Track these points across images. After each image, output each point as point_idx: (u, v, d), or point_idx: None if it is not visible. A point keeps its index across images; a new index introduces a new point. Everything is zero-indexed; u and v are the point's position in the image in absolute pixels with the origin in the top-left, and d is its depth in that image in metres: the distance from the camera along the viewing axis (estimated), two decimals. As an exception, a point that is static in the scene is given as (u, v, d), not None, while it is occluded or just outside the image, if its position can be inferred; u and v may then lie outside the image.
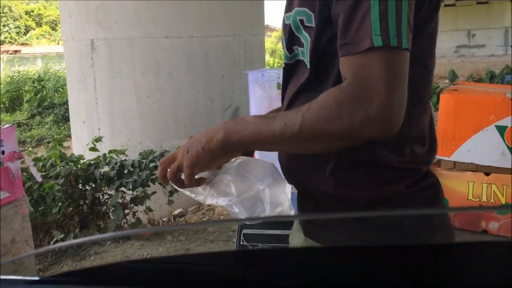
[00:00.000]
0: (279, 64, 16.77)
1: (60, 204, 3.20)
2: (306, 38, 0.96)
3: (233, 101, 4.26)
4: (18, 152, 2.33)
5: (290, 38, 1.00)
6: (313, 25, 0.94)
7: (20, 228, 2.12)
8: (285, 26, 1.05)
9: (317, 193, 1.00)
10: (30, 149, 6.63)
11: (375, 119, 0.80)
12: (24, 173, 2.97)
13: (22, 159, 2.48)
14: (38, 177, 2.84)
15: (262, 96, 2.79)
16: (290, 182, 1.01)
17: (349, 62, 0.84)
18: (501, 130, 3.05)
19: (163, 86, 4.07)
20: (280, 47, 25.73)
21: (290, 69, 1.04)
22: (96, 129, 4.13)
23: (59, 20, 7.74)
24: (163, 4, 3.95)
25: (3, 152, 2.17)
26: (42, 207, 3.17)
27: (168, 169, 0.96)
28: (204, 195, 0.95)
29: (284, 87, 1.07)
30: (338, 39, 0.86)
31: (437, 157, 3.16)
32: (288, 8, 1.05)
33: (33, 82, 10.91)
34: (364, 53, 0.82)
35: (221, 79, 4.21)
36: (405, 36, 0.83)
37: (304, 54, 0.97)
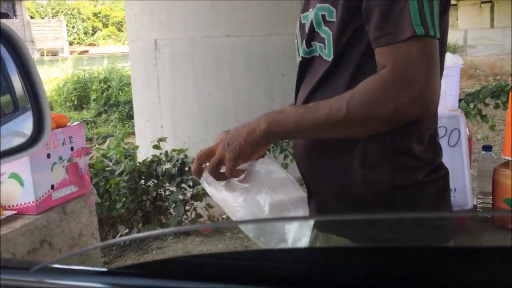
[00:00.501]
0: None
1: (124, 199, 3.30)
2: (327, 33, 1.00)
3: (293, 99, 4.24)
4: (86, 148, 2.42)
5: (310, 34, 1.04)
6: (335, 20, 0.98)
7: (87, 222, 2.21)
8: (301, 25, 1.10)
9: (337, 180, 1.03)
10: (96, 146, 6.89)
11: (419, 100, 0.88)
12: (91, 169, 3.09)
13: (90, 155, 2.58)
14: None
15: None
16: (305, 170, 1.07)
17: (389, 51, 0.91)
18: None
19: (223, 85, 4.12)
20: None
21: (306, 64, 1.08)
22: (158, 126, 4.23)
23: (124, 21, 7.99)
24: (224, 4, 3.99)
25: (72, 149, 2.26)
26: (107, 202, 3.29)
27: (207, 164, 0.99)
28: (237, 204, 0.98)
29: (299, 81, 1.13)
30: (373, 31, 0.92)
31: (506, 157, 3.02)
32: (305, 8, 1.10)
33: (100, 82, 11.33)
34: (405, 42, 0.89)
35: (282, 77, 4.20)
36: (438, 27, 0.91)
37: (322, 48, 1.02)
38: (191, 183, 3.29)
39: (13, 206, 2.00)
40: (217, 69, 4.11)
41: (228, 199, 0.99)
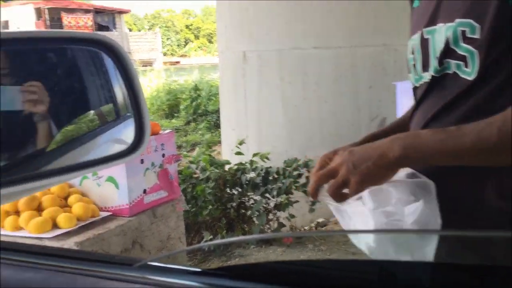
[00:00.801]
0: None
1: (210, 206, 3.40)
2: (469, 51, 0.93)
3: (380, 111, 4.17)
4: (176, 155, 2.53)
5: (444, 51, 0.97)
6: (477, 36, 0.91)
7: (175, 226, 2.31)
8: (422, 40, 1.03)
9: (467, 210, 0.96)
10: (185, 153, 7.14)
11: None
12: (179, 175, 3.22)
13: (179, 161, 2.69)
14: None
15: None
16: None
17: None
18: None
19: (309, 95, 4.13)
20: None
21: (435, 82, 1.01)
22: (244, 136, 4.32)
23: (215, 33, 8.23)
24: (312, 16, 4.02)
25: (163, 155, 2.37)
26: (194, 209, 3.40)
27: (328, 184, 0.93)
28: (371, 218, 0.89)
29: (423, 100, 1.04)
30: None
31: None
32: (429, 22, 1.02)
33: (190, 92, 11.77)
34: None
35: (369, 89, 4.15)
36: None
37: (461, 66, 0.94)
38: (275, 193, 3.33)
39: (109, 207, 2.13)
40: (304, 80, 4.13)
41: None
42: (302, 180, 3.36)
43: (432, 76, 1.01)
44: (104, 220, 2.03)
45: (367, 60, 4.12)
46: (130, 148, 0.70)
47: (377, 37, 4.14)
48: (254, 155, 3.55)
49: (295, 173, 3.38)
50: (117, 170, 2.06)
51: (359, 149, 0.91)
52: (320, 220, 3.96)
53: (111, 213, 2.11)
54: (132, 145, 0.70)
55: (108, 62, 0.74)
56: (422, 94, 1.04)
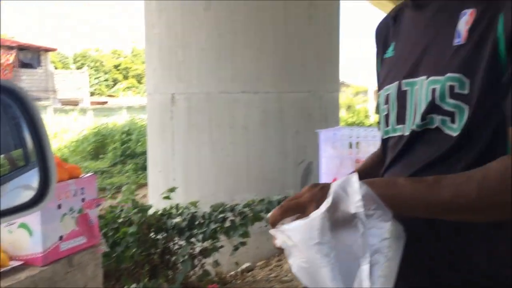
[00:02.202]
0: (352, 120, 16.65)
1: (133, 251, 3.27)
2: (457, 106, 0.91)
3: (307, 156, 4.25)
4: (98, 198, 2.43)
5: (429, 106, 0.94)
6: (466, 92, 0.90)
7: (92, 275, 2.18)
8: (400, 93, 1.02)
9: (461, 265, 0.93)
10: (109, 196, 6.90)
11: None
12: (102, 220, 3.09)
13: (101, 205, 2.58)
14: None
15: (334, 155, 2.77)
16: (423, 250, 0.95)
17: None
18: None
19: (237, 139, 4.15)
20: (355, 102, 25.67)
21: (416, 137, 0.98)
22: (171, 178, 4.25)
23: (144, 74, 8.19)
24: (241, 61, 4.09)
25: (83, 200, 2.27)
26: (115, 254, 3.26)
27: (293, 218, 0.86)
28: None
29: (402, 155, 1.02)
30: (510, 107, 0.85)
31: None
32: (410, 74, 1.00)
33: (122, 134, 11.53)
34: None
35: (295, 134, 4.24)
36: None
37: (446, 122, 0.92)
38: (200, 238, 3.26)
39: (21, 256, 1.99)
40: (232, 124, 4.16)
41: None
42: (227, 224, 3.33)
43: (413, 130, 0.98)
44: (15, 270, 1.89)
45: (294, 106, 4.22)
46: (34, 199, 0.66)
47: (304, 84, 4.26)
48: (183, 208, 3.49)
49: (221, 216, 3.34)
50: (31, 215, 1.94)
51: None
52: (246, 265, 3.91)
53: (22, 262, 1.97)
54: (36, 196, 0.65)
55: (16, 108, 0.70)
56: (401, 149, 1.01)
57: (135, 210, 3.36)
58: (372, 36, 1.26)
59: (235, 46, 4.09)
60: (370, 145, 2.71)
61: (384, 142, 1.11)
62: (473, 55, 0.90)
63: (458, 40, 0.93)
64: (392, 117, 1.04)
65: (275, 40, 4.13)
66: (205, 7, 4.08)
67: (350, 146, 2.82)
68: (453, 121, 0.92)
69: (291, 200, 0.87)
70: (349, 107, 22.58)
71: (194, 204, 3.45)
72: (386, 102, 1.06)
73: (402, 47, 1.08)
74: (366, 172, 1.14)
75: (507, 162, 0.83)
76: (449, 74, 0.92)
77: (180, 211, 3.43)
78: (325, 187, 0.83)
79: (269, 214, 0.89)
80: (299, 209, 0.85)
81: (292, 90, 4.21)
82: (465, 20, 0.93)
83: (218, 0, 4.06)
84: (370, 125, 10.33)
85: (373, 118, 17.00)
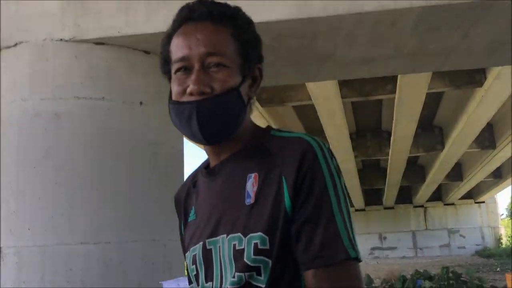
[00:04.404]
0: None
1: None
2: (263, 261, 1.02)
3: (150, 310, 4.03)
4: None
5: (239, 265, 1.03)
6: (268, 247, 1.02)
7: None
8: (206, 251, 1.11)
9: None
10: None
11: None
12: None
13: None
14: None
15: (178, 306, 2.67)
16: None
17: (323, 273, 0.97)
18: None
19: (74, 295, 3.80)
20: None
21: None
22: None
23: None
24: (80, 211, 3.91)
25: None
26: None
27: None
28: None
29: None
30: (304, 252, 0.99)
31: None
32: (213, 233, 1.10)
33: None
34: (340, 264, 0.97)
35: (138, 286, 4.03)
36: (359, 248, 1.01)
37: (253, 276, 1.02)
38: None
39: None
40: (68, 279, 3.83)
41: None
42: None
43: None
44: None
45: (136, 255, 4.07)
46: None
47: (147, 233, 4.18)
48: None
49: None
50: None
51: None
52: None
53: None
54: None
55: None
56: None
57: None
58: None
59: (74, 196, 3.93)
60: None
61: None
62: (267, 213, 1.03)
63: (248, 200, 1.06)
64: (201, 277, 1.12)
65: (116, 189, 4.07)
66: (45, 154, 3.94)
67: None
68: (259, 274, 1.02)
69: None
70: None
71: None
72: (194, 262, 1.15)
73: (203, 210, 1.19)
74: None
75: None
76: (251, 234, 1.03)
77: None
78: None
79: None
80: None
81: (134, 239, 4.09)
82: (252, 182, 1.08)
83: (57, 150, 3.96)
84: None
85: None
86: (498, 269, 18.67)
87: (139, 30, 4.04)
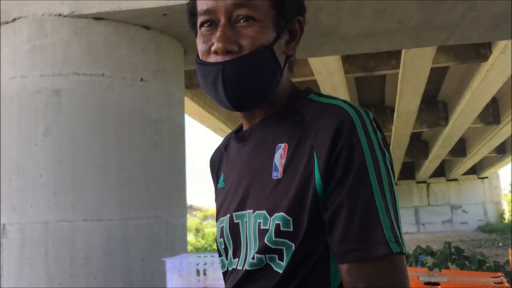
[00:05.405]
0: (201, 244, 16.56)
1: None
2: (285, 244, 0.92)
3: (153, 284, 4.05)
4: None
5: (261, 245, 0.94)
6: (291, 229, 0.91)
7: None
8: (233, 224, 1.02)
9: None
10: None
11: None
12: None
13: None
14: None
15: (181, 284, 2.68)
16: None
17: (358, 270, 0.85)
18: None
19: (77, 272, 3.82)
20: (204, 226, 25.69)
21: (248, 274, 0.98)
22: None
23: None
24: (82, 188, 3.91)
25: None
26: None
27: None
28: None
29: None
30: (339, 243, 0.87)
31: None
32: (239, 207, 1.02)
33: None
34: (379, 259, 0.84)
35: (141, 262, 4.05)
36: (404, 241, 0.88)
37: (275, 259, 0.93)
38: None
39: None
40: (72, 255, 3.85)
41: None
42: None
43: (246, 269, 0.97)
44: None
45: (139, 232, 4.07)
46: None
47: (149, 210, 4.18)
48: None
49: None
50: None
51: None
52: None
53: None
54: None
55: None
56: (235, 284, 1.00)
57: None
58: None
59: (76, 172, 3.92)
60: (218, 271, 2.69)
61: (224, 274, 1.11)
62: (292, 192, 0.92)
63: (276, 174, 0.96)
64: (230, 252, 1.05)
65: (118, 166, 4.05)
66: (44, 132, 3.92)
67: (198, 273, 2.77)
68: (281, 259, 0.92)
69: None
70: (197, 231, 22.51)
71: None
72: (222, 235, 1.07)
73: (231, 178, 1.10)
74: None
75: None
76: (276, 214, 0.92)
77: None
78: None
79: None
80: None
81: (137, 216, 4.09)
82: (280, 154, 0.96)
83: (58, 128, 3.94)
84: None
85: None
86: (500, 244, 18.77)
87: (139, 5, 3.96)
